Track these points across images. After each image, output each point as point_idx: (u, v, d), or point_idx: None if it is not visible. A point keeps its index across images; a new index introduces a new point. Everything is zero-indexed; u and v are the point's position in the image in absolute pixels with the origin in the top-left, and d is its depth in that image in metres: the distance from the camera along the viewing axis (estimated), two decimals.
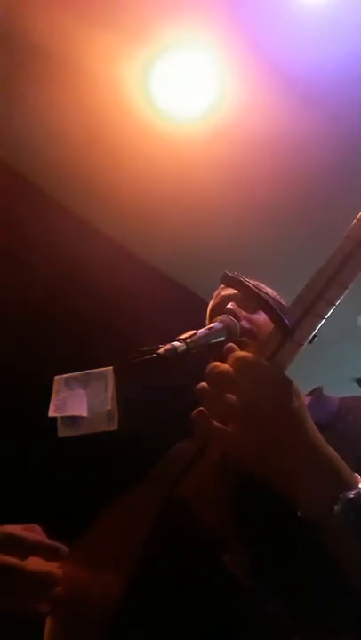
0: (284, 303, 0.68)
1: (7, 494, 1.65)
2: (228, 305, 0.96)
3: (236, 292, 0.97)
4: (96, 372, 0.79)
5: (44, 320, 2.11)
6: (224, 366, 0.62)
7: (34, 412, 0.84)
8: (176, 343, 0.77)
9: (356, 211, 0.64)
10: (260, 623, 0.63)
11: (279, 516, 0.61)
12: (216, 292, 1.09)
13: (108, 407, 0.76)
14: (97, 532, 0.79)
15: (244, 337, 0.92)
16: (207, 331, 0.85)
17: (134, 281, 2.39)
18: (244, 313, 0.96)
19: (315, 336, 0.64)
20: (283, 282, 1.02)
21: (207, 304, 1.10)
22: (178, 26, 1.83)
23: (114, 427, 0.75)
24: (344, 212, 0.72)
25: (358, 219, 0.63)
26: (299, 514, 0.58)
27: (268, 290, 0.98)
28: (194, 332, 0.82)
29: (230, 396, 0.60)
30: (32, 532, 0.71)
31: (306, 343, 0.63)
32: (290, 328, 0.62)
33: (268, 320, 0.66)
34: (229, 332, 0.89)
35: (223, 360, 0.64)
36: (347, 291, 0.63)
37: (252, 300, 0.69)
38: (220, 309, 0.98)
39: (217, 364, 0.63)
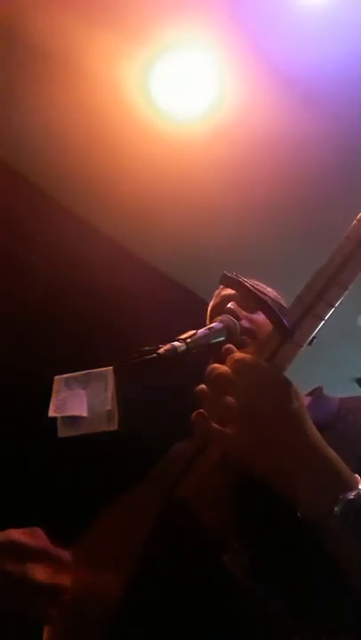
0: (284, 303, 0.67)
1: (7, 494, 1.66)
2: (229, 305, 0.96)
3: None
4: (96, 372, 0.79)
5: (44, 320, 2.11)
6: (223, 368, 0.62)
7: (34, 411, 0.84)
8: (176, 343, 0.77)
9: (356, 211, 0.63)
10: (260, 623, 0.63)
11: (279, 516, 0.61)
12: (216, 292, 1.09)
13: (108, 407, 0.76)
14: (97, 531, 0.79)
15: (244, 336, 0.92)
16: (207, 331, 0.85)
17: (134, 281, 2.39)
18: (244, 312, 0.96)
19: (314, 337, 0.64)
20: (283, 282, 1.02)
21: (207, 304, 1.10)
22: (178, 26, 1.83)
23: (114, 427, 0.75)
24: (344, 212, 0.72)
25: (358, 219, 0.63)
26: (299, 514, 0.58)
27: (269, 290, 0.98)
28: (194, 332, 0.82)
29: (229, 399, 0.60)
30: (34, 537, 0.71)
31: (305, 344, 0.63)
32: (289, 329, 0.62)
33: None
34: (229, 331, 0.89)
35: (222, 361, 0.64)
36: (347, 292, 0.63)
37: (251, 300, 0.69)
38: (220, 309, 0.98)
39: (216, 365, 0.63)
